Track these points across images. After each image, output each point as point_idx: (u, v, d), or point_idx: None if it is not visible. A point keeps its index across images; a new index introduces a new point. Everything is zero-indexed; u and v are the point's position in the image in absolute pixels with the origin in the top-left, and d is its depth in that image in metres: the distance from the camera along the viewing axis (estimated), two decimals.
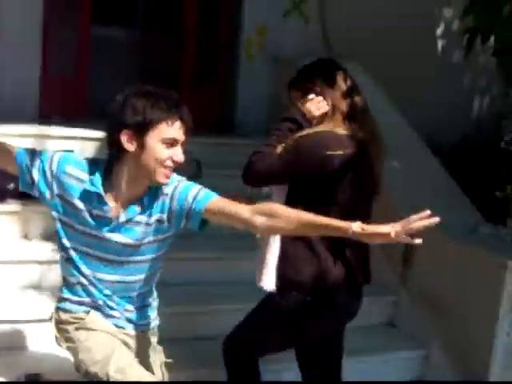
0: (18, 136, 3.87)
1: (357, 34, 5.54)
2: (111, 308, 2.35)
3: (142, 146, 2.11)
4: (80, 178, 2.23)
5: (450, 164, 4.95)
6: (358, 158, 2.47)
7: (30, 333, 3.09)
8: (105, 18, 6.27)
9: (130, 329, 2.40)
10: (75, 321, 2.33)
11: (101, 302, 2.33)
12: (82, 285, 2.31)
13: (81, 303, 2.34)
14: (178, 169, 2.22)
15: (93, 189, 2.20)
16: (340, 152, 2.42)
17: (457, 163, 5.53)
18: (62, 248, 2.31)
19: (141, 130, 2.09)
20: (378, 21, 5.68)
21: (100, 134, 4.43)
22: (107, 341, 2.30)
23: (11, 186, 3.55)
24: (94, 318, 2.33)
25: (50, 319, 2.43)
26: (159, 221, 2.23)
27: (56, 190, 2.24)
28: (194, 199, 2.17)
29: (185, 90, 5.53)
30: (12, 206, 3.64)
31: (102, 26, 6.16)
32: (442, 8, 6.16)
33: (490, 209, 4.78)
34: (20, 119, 4.32)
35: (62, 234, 2.29)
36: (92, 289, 2.31)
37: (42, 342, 2.99)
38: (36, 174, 2.24)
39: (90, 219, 2.22)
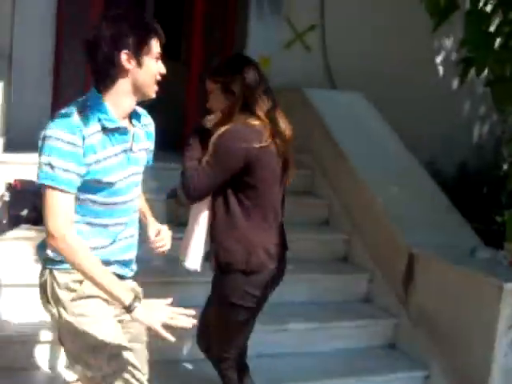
0: (31, 164, 4.00)
1: (359, 65, 5.71)
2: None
3: (139, 64, 2.23)
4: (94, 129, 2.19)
5: (450, 189, 5.09)
6: (271, 146, 2.66)
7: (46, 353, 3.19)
8: None
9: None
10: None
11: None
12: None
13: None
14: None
15: (112, 125, 2.22)
16: (256, 144, 2.61)
17: (457, 188, 5.67)
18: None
19: (140, 49, 2.22)
20: (378, 52, 5.86)
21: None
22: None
23: (25, 212, 3.67)
24: None
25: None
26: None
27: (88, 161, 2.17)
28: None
29: (189, 119, 5.67)
30: (26, 231, 3.77)
31: None
32: (441, 38, 6.33)
33: (489, 233, 4.91)
34: (33, 148, 4.44)
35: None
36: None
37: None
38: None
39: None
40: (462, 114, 6.58)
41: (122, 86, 2.22)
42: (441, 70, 6.46)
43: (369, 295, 4.36)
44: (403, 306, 4.05)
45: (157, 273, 3.82)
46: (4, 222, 2.82)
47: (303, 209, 4.75)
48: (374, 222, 4.39)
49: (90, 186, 2.19)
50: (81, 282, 2.23)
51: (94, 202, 2.24)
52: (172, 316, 2.07)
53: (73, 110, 2.18)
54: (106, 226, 2.28)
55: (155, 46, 2.24)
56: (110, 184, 2.24)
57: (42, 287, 2.31)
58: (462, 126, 6.51)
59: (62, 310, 2.25)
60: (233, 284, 2.68)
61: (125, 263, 2.38)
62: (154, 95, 2.30)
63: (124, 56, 2.18)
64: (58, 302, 2.26)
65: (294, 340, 3.81)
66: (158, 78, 2.28)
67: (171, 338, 2.05)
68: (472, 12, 3.48)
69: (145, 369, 2.40)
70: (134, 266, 2.46)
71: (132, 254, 2.41)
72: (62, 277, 2.25)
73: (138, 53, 2.20)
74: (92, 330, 2.22)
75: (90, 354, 2.25)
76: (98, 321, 2.25)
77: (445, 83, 6.39)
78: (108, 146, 2.22)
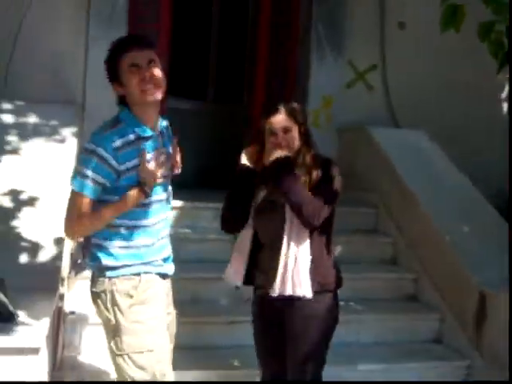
0: None
1: (420, 103, 5.71)
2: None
3: (122, 85, 2.45)
4: (128, 141, 2.43)
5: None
6: None
7: None
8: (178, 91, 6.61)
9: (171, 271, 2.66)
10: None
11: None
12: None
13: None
14: None
15: (147, 133, 2.47)
16: None
17: None
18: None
19: (113, 76, 2.46)
20: (439, 89, 5.85)
21: (178, 204, 4.70)
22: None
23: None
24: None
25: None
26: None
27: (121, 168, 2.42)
28: None
29: None
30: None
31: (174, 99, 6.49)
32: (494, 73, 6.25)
33: None
34: None
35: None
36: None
37: None
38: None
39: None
40: None
41: (131, 103, 2.46)
42: (505, 105, 6.37)
43: (439, 335, 4.28)
44: (476, 348, 3.96)
45: (222, 313, 3.91)
46: (79, 261, 2.92)
47: (369, 247, 4.75)
48: (441, 260, 4.33)
49: (128, 189, 2.41)
50: (135, 287, 2.45)
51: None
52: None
53: (105, 125, 2.46)
54: (146, 226, 2.50)
55: (125, 61, 2.42)
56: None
57: (98, 295, 2.50)
58: None
59: (119, 315, 2.45)
60: (333, 301, 2.74)
61: (165, 259, 2.59)
62: (152, 98, 2.44)
63: (114, 86, 2.47)
64: (116, 308, 2.45)
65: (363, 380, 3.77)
66: (147, 86, 2.41)
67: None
68: None
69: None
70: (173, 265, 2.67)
71: (169, 251, 2.64)
72: (123, 284, 2.46)
73: (114, 78, 2.45)
74: (144, 338, 2.44)
75: (134, 354, 2.46)
76: (151, 330, 2.46)
77: (501, 116, 6.29)
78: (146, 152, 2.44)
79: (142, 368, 2.44)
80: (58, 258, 3.50)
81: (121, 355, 2.46)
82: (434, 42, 5.85)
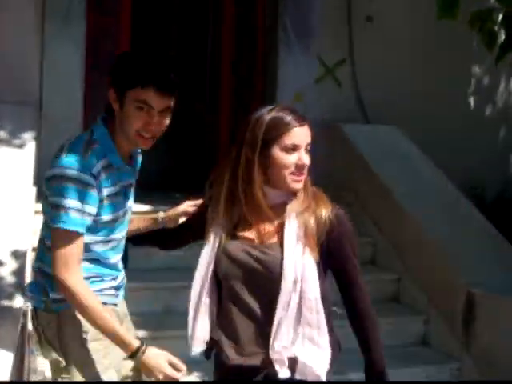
0: None
1: (391, 98, 5.57)
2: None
3: (122, 106, 2.07)
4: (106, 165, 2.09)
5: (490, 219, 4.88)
6: None
7: None
8: None
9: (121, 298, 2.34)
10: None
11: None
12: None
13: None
14: None
15: (117, 163, 2.12)
16: None
17: (496, 218, 5.45)
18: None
19: (123, 92, 2.07)
20: (411, 84, 5.72)
21: (145, 208, 4.45)
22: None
23: None
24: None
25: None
26: None
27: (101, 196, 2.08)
28: None
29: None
30: None
31: None
32: (472, 65, 6.20)
33: None
34: None
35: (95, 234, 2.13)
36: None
37: None
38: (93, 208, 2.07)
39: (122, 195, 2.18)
40: (497, 142, 6.39)
41: (117, 126, 2.11)
42: (473, 98, 6.30)
43: (425, 338, 4.12)
44: (466, 349, 3.81)
45: None
46: None
47: None
48: (426, 260, 4.18)
49: (92, 225, 2.07)
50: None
51: (96, 242, 2.13)
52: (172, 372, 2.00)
53: (80, 145, 2.06)
54: (106, 260, 2.18)
55: (142, 94, 2.04)
56: (113, 221, 2.14)
57: (42, 332, 2.18)
58: (498, 154, 6.32)
59: (68, 355, 2.15)
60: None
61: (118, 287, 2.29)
62: (143, 146, 2.14)
63: (111, 92, 2.09)
64: (65, 346, 2.14)
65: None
66: (146, 134, 2.08)
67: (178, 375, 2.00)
68: None
69: None
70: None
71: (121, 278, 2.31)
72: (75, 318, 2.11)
73: (118, 88, 2.07)
74: (96, 378, 2.14)
75: None
76: (105, 370, 2.15)
77: (478, 112, 6.23)
78: (113, 182, 2.11)
79: None
80: (19, 272, 3.21)
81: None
82: (403, 35, 5.75)
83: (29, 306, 2.48)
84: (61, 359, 2.16)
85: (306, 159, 1.89)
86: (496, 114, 6.32)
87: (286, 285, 1.86)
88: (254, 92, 5.56)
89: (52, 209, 2.03)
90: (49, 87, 4.75)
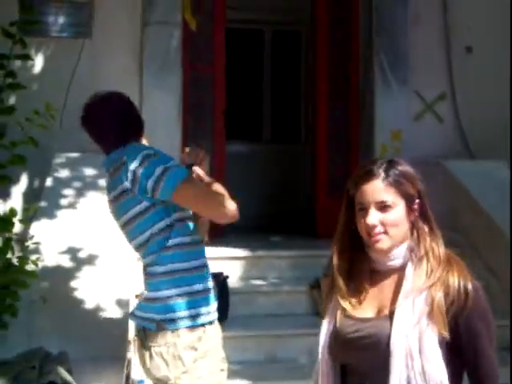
0: None
1: (496, 133, 5.30)
2: None
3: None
4: None
5: None
6: None
7: None
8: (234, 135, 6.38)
9: None
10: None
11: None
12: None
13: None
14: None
15: None
16: None
17: None
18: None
19: None
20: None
21: (244, 253, 4.40)
22: None
23: None
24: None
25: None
26: None
27: None
28: None
29: (320, 200, 5.46)
30: None
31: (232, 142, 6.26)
32: None
33: None
34: None
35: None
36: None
37: None
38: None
39: None
40: None
41: None
42: None
43: None
44: None
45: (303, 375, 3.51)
46: None
47: None
48: None
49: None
50: (200, 338, 2.21)
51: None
52: None
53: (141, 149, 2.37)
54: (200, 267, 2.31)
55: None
56: None
57: (156, 353, 2.22)
58: None
59: (182, 374, 2.19)
60: None
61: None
62: None
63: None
64: (178, 364, 2.19)
65: None
66: None
67: None
68: None
69: None
70: None
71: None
72: (188, 335, 2.20)
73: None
74: None
75: None
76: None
77: None
78: None
79: None
80: (123, 320, 3.21)
81: None
82: (503, 65, 5.49)
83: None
84: (171, 377, 2.20)
85: (371, 219, 1.68)
86: None
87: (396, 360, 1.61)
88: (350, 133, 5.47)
89: (163, 177, 2.20)
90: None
